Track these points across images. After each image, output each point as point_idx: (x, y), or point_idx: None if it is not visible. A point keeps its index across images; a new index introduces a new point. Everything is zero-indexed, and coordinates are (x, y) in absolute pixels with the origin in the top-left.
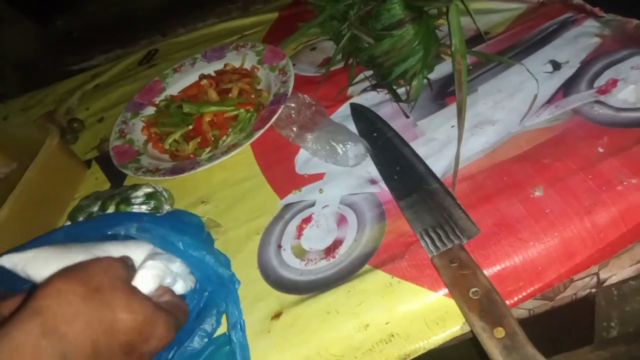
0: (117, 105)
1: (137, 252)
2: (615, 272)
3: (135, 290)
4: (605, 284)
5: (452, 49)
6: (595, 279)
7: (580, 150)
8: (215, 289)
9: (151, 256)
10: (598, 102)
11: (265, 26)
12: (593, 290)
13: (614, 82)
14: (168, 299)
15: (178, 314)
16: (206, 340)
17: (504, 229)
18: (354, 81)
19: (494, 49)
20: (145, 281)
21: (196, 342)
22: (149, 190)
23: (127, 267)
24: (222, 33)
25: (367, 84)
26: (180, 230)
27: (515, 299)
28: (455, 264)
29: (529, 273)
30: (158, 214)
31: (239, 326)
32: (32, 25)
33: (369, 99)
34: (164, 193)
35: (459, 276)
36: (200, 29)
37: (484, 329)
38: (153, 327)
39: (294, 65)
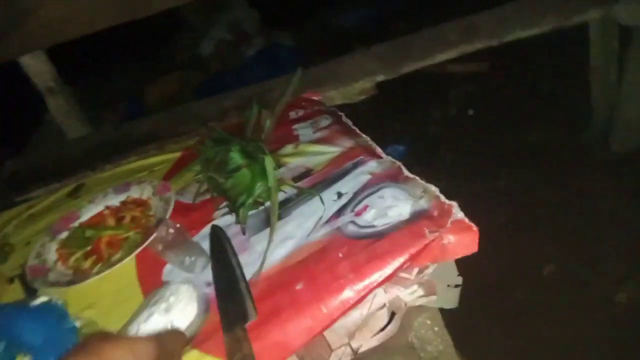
0: (43, 231)
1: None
2: (362, 343)
3: None
4: (359, 352)
5: (270, 186)
6: (349, 348)
7: (329, 256)
8: None
9: None
10: (352, 222)
11: (170, 163)
12: (351, 357)
13: (365, 207)
14: None
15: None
16: None
17: (272, 314)
18: (220, 206)
19: (311, 183)
20: None
21: None
22: (45, 299)
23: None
24: (137, 169)
25: (226, 209)
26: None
27: None
28: (234, 339)
29: (281, 346)
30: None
31: None
32: None
33: (226, 220)
34: (57, 301)
35: (234, 346)
36: (122, 165)
37: None
38: None
39: (182, 194)
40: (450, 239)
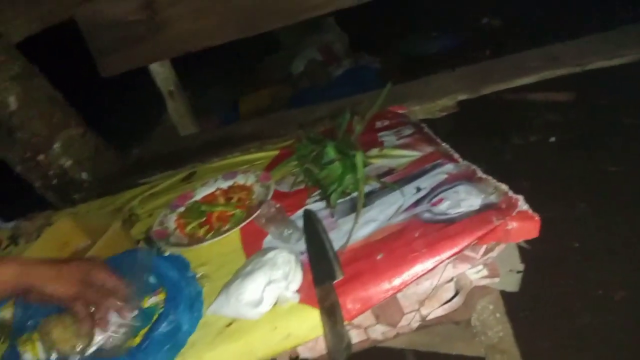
0: (163, 206)
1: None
2: (430, 311)
3: None
4: (427, 319)
5: (358, 178)
6: (418, 315)
7: (407, 235)
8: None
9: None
10: (428, 210)
11: (269, 159)
12: (420, 323)
13: (440, 200)
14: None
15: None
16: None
17: (355, 276)
18: (312, 195)
19: (393, 180)
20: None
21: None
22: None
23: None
24: (240, 163)
25: (317, 197)
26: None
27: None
28: (324, 291)
29: (361, 300)
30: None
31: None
32: (116, 154)
33: (317, 206)
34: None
35: (323, 296)
36: (228, 159)
37: (325, 321)
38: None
39: (279, 185)
40: (514, 225)
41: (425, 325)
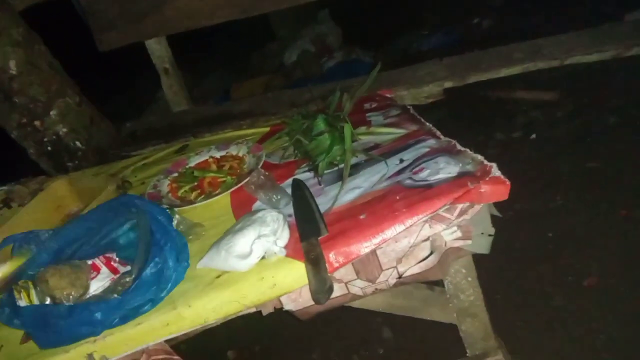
0: (154, 176)
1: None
2: (407, 268)
3: None
4: (403, 276)
5: (345, 149)
6: (396, 271)
7: (389, 198)
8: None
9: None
10: (410, 178)
11: (260, 135)
12: (396, 280)
13: (421, 169)
14: None
15: None
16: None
17: (339, 233)
18: (301, 166)
19: (379, 153)
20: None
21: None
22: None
23: None
24: (232, 138)
25: (306, 168)
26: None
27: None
28: (310, 245)
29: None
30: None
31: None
32: (110, 126)
33: (305, 175)
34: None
35: (309, 249)
36: (220, 134)
37: (309, 269)
38: None
39: (269, 157)
40: (486, 187)
41: (402, 283)
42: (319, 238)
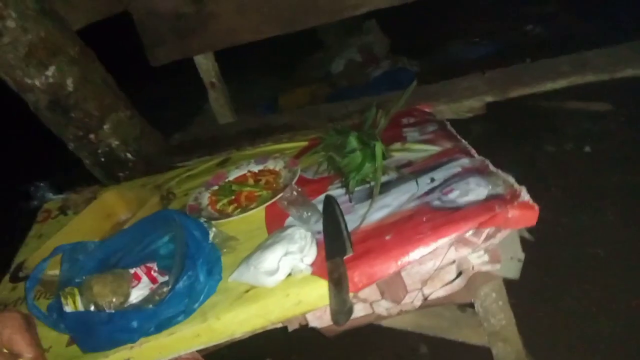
0: (197, 188)
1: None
2: (432, 291)
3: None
4: (429, 298)
5: (376, 166)
6: (421, 294)
7: (415, 220)
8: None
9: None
10: (439, 199)
11: (298, 149)
12: (422, 302)
13: (451, 190)
14: None
15: None
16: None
17: (364, 253)
18: (334, 182)
19: (411, 170)
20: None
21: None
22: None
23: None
24: (272, 151)
25: (338, 184)
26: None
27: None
28: (334, 264)
29: (367, 275)
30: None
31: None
32: (159, 137)
33: (338, 192)
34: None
35: (333, 269)
36: (260, 147)
37: (331, 289)
38: None
39: (305, 172)
40: (514, 212)
41: (428, 305)
42: (344, 257)
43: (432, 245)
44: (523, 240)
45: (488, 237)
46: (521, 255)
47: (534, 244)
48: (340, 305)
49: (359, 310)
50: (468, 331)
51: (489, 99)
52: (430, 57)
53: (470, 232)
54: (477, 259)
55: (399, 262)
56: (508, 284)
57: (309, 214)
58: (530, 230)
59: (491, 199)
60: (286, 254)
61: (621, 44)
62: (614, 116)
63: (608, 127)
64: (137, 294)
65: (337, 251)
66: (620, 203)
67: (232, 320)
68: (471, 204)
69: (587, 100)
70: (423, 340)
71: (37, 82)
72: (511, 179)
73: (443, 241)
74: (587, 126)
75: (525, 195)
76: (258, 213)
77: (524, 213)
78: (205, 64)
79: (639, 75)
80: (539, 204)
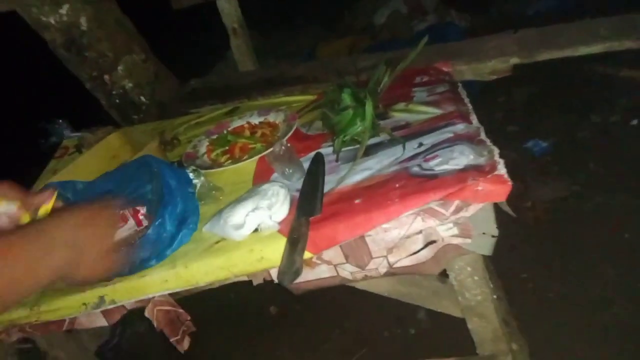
0: (202, 133)
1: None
2: (397, 259)
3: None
4: (394, 266)
5: (365, 126)
6: (386, 261)
7: (389, 185)
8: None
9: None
10: (419, 165)
11: (305, 102)
12: (387, 269)
13: (434, 156)
14: None
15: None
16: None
17: (331, 215)
18: (328, 140)
19: (405, 133)
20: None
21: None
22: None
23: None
24: (281, 103)
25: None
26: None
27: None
28: (298, 224)
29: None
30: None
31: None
32: (175, 82)
33: (328, 150)
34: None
35: (296, 228)
36: (270, 98)
37: (286, 248)
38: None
39: (305, 127)
40: (484, 186)
41: (394, 273)
42: (311, 218)
43: (398, 214)
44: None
45: (457, 210)
46: (495, 232)
47: (559, 219)
48: (288, 265)
49: (324, 272)
50: (447, 302)
51: (515, 60)
52: (484, 12)
53: (438, 203)
54: (446, 232)
55: (363, 228)
56: (520, 254)
57: (291, 170)
58: (557, 205)
59: (468, 169)
60: (255, 209)
61: None
62: None
63: None
64: (121, 235)
65: (305, 211)
66: None
67: (198, 269)
68: (446, 173)
69: None
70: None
71: (52, 20)
72: (496, 150)
73: (407, 211)
74: (639, 97)
75: (501, 169)
76: (248, 165)
77: (495, 188)
78: (228, 9)
79: None
80: (571, 178)
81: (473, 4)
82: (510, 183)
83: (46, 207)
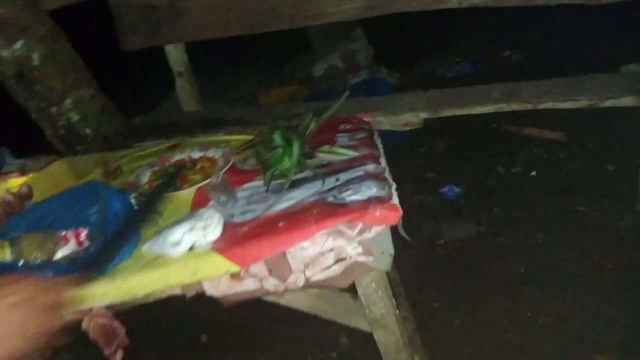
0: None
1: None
2: (313, 273)
3: None
4: (310, 280)
5: (292, 162)
6: (303, 275)
7: (308, 211)
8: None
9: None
10: (334, 196)
11: (242, 142)
12: (304, 282)
13: (347, 189)
14: None
15: None
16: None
17: (257, 235)
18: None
19: (325, 171)
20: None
21: None
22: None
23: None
24: (220, 141)
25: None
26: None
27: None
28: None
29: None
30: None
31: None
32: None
33: (259, 182)
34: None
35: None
36: (210, 136)
37: None
38: None
39: (240, 163)
40: (381, 212)
41: (310, 286)
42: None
43: (313, 234)
44: (458, 251)
45: (361, 231)
46: (391, 251)
47: (467, 255)
48: None
49: (250, 284)
50: (358, 318)
51: (424, 115)
52: (412, 70)
53: (346, 225)
54: (353, 250)
55: (284, 245)
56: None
57: (226, 199)
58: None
59: (371, 199)
60: (191, 229)
61: (553, 79)
62: (566, 146)
63: (558, 156)
64: (62, 254)
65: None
66: (551, 228)
67: (136, 282)
68: (353, 202)
69: (546, 127)
70: (346, 331)
71: (5, 53)
72: (394, 186)
73: (322, 231)
74: (539, 152)
75: (395, 199)
76: (187, 195)
77: (388, 213)
78: (175, 54)
79: (601, 107)
80: (479, 219)
81: (402, 63)
82: (400, 211)
83: None
